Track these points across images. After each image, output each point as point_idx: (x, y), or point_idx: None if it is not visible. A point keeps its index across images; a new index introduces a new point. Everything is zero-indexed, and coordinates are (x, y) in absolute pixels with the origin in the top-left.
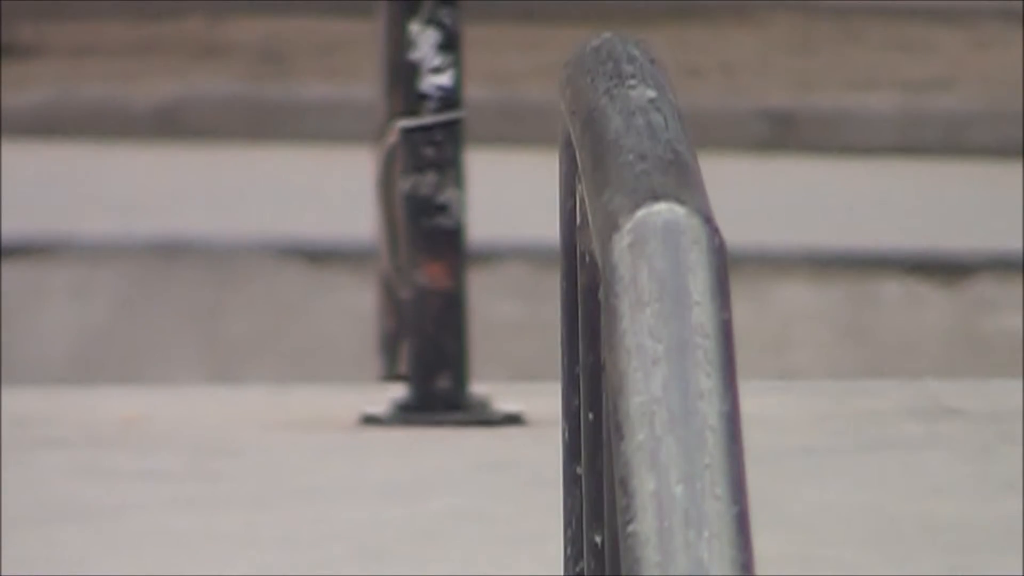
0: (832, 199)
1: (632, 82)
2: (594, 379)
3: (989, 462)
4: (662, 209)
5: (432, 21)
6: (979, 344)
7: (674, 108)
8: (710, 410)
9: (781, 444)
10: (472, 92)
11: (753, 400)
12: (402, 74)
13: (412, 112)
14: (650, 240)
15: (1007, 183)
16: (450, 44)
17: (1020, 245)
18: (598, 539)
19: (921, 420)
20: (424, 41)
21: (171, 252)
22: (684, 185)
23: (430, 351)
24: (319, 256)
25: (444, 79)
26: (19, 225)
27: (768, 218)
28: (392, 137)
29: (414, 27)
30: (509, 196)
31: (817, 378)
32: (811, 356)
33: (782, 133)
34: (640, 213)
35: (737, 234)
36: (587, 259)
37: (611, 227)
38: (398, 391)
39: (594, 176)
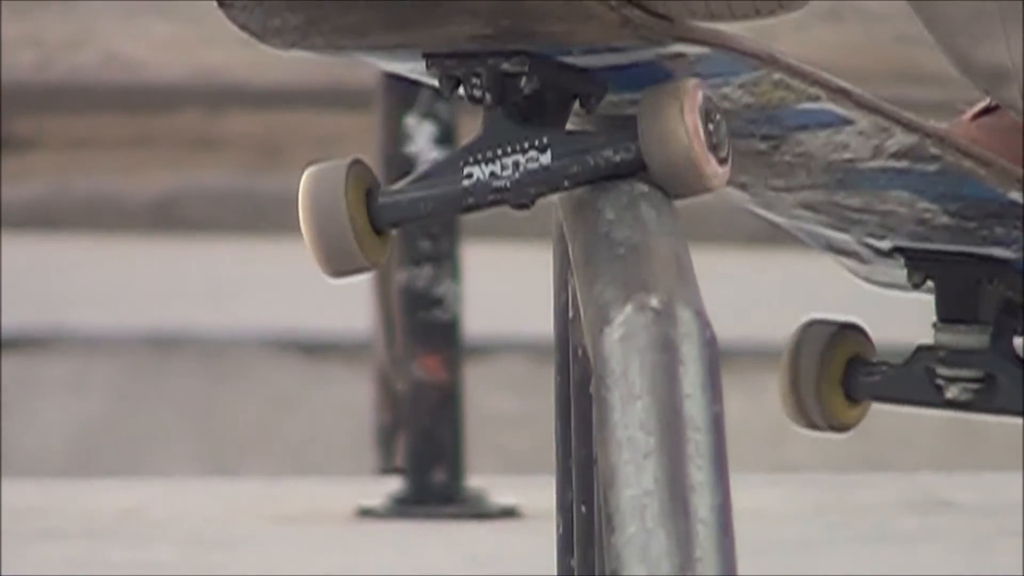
0: (825, 293)
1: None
2: (587, 472)
3: (985, 555)
4: (653, 302)
5: (428, 114)
6: (974, 437)
7: (667, 201)
8: (701, 503)
9: (776, 537)
10: None
11: (748, 493)
12: (398, 167)
13: None
14: (641, 333)
15: None
16: (446, 137)
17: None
18: None
19: (916, 513)
20: (420, 134)
21: (167, 345)
22: (676, 279)
23: (426, 444)
24: (315, 349)
25: None
26: (16, 317)
27: (761, 312)
28: None
29: (410, 120)
30: (505, 289)
31: (812, 471)
32: (806, 449)
33: (775, 226)
34: (631, 306)
35: (730, 327)
36: (580, 352)
37: (602, 320)
38: (394, 484)
39: (586, 269)
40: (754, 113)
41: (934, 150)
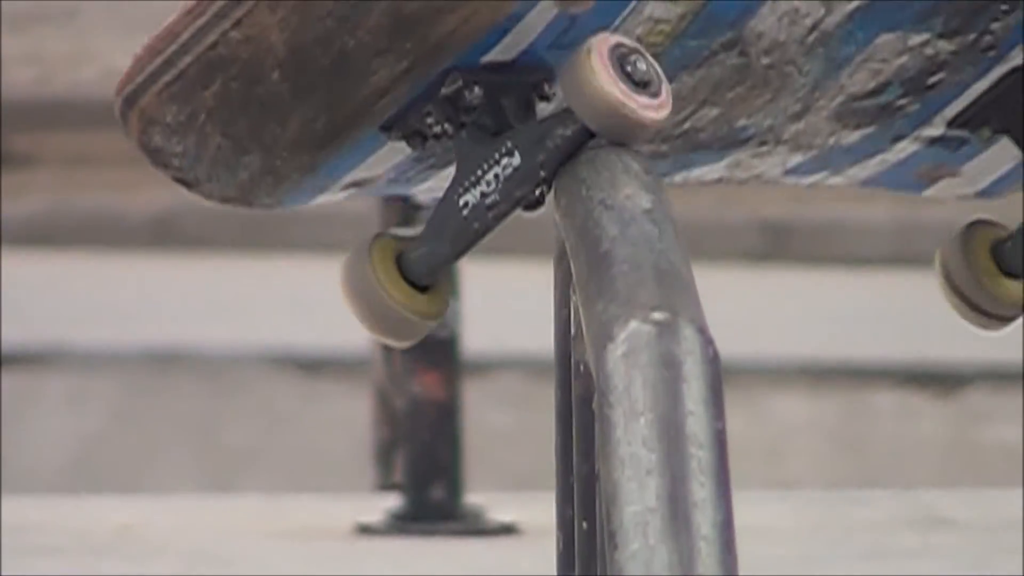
0: (826, 310)
1: (627, 192)
2: (588, 488)
3: (985, 572)
4: (656, 319)
5: None
6: (973, 455)
7: (669, 218)
8: (704, 520)
9: (776, 554)
10: None
11: (748, 510)
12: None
13: (406, 222)
14: (644, 350)
15: None
16: None
17: (1014, 356)
18: None
19: (915, 530)
20: None
21: (166, 361)
22: (678, 296)
23: (425, 461)
24: (314, 365)
25: None
26: (16, 333)
27: (763, 329)
28: None
29: None
30: (504, 306)
31: (812, 488)
32: (806, 466)
33: (777, 244)
34: (634, 323)
35: (732, 345)
36: (582, 369)
37: (605, 337)
38: (392, 501)
39: (588, 286)
40: (696, 24)
41: None
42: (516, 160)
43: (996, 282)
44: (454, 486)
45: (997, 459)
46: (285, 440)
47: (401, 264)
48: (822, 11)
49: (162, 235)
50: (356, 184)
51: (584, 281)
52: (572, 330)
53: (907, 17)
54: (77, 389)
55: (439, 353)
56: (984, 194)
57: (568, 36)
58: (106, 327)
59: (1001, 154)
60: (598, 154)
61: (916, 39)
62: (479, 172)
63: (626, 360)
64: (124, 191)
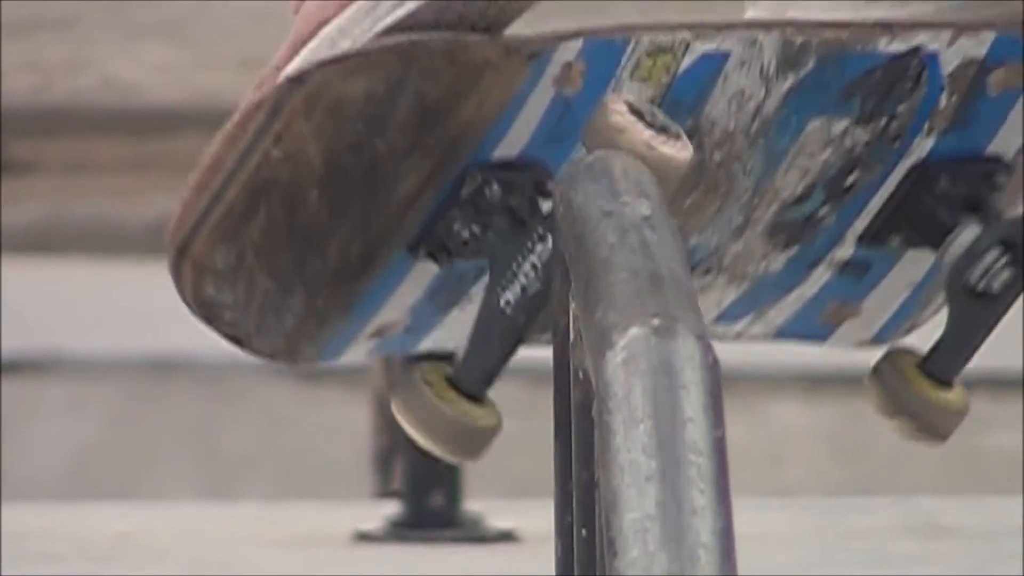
0: None
1: (626, 199)
2: (587, 496)
3: None
4: (656, 326)
5: None
6: (973, 462)
7: (668, 225)
8: (703, 527)
9: (775, 561)
10: None
11: (748, 517)
12: None
13: None
14: (643, 357)
15: None
16: None
17: (1013, 363)
18: None
19: (915, 537)
20: None
21: (165, 368)
22: (677, 302)
23: (424, 468)
24: (313, 372)
25: None
26: (15, 341)
27: None
28: None
29: None
30: None
31: (811, 495)
32: (805, 473)
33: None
34: (633, 330)
35: (730, 352)
36: (581, 376)
37: (604, 344)
38: (392, 508)
39: (587, 293)
40: (664, 108)
41: (795, 37)
42: (550, 244)
43: (939, 395)
44: (453, 493)
45: (996, 466)
46: (284, 447)
47: (454, 383)
48: (762, 92)
49: (161, 242)
50: (378, 333)
51: (583, 288)
52: (571, 337)
53: (831, 99)
54: (76, 396)
55: (439, 360)
56: (879, 338)
57: (562, 125)
58: (106, 334)
59: (897, 281)
60: (596, 161)
61: (838, 126)
62: (515, 266)
63: (625, 367)
64: (124, 198)
